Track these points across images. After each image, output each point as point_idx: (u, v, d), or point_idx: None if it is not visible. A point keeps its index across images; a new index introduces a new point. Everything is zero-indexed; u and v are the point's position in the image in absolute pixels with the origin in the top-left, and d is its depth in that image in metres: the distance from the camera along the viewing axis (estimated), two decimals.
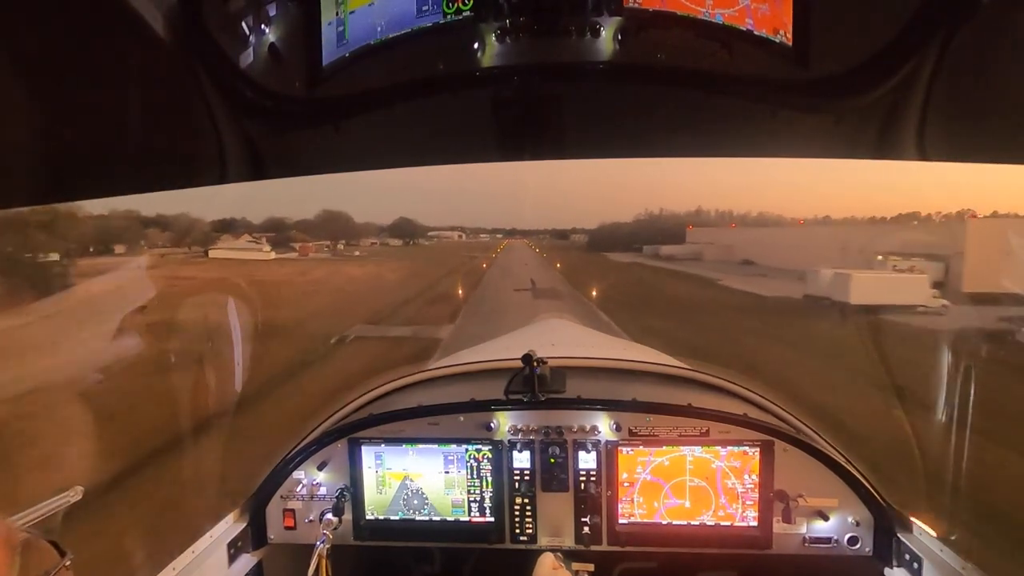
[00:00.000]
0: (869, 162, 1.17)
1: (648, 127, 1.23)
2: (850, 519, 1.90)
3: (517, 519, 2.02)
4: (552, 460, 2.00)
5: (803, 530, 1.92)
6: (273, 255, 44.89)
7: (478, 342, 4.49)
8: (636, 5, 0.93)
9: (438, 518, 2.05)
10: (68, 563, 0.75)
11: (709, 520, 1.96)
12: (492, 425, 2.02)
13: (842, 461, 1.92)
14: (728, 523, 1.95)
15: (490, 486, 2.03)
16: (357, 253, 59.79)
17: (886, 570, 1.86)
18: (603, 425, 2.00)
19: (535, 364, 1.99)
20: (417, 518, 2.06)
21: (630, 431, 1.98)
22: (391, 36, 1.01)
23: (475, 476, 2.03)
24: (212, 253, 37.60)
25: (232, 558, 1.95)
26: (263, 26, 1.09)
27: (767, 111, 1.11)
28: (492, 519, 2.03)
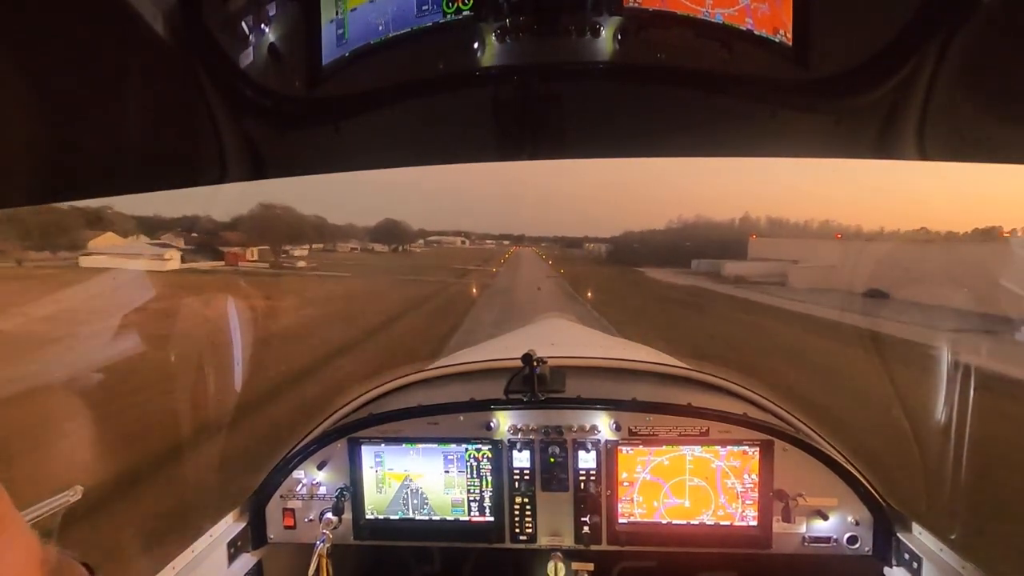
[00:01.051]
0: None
1: (648, 127, 1.23)
2: (849, 518, 1.90)
3: (517, 519, 2.02)
4: (552, 460, 2.00)
5: (803, 529, 1.92)
6: (176, 264, 31.23)
7: None
8: (636, 5, 0.93)
9: (438, 517, 2.05)
10: None
11: (709, 520, 1.96)
12: (492, 425, 2.02)
13: (841, 461, 1.92)
14: (728, 523, 1.95)
15: (490, 486, 2.03)
16: (301, 264, 45.00)
17: (885, 569, 1.86)
18: (603, 425, 2.00)
19: (535, 364, 1.99)
20: (417, 517, 2.06)
21: (630, 431, 1.98)
22: (391, 35, 1.01)
23: (475, 476, 2.03)
24: (85, 261, 25.38)
25: (232, 557, 1.95)
26: (263, 26, 1.09)
27: (767, 111, 1.11)
28: (492, 519, 2.03)
